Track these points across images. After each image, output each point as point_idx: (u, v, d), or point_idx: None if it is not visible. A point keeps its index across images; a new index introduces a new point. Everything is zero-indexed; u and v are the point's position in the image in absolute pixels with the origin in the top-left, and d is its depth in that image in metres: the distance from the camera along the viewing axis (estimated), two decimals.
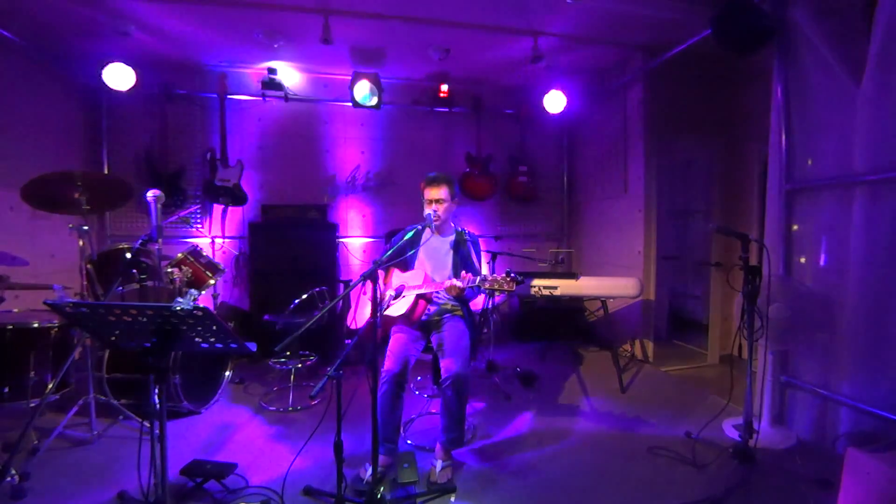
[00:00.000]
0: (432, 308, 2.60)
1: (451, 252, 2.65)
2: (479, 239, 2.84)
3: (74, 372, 2.73)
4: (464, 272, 2.35)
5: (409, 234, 2.36)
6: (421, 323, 2.61)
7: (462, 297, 2.48)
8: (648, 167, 4.19)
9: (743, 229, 3.63)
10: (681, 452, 2.53)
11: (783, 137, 2.80)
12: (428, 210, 2.56)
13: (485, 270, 2.33)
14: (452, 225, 2.73)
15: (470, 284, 2.27)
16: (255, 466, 2.41)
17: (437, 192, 2.55)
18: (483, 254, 4.41)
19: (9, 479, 2.06)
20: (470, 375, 2.43)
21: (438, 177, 2.59)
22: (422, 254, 2.65)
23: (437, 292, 2.56)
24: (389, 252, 2.21)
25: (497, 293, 2.31)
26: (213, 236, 4.50)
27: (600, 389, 3.55)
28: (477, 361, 3.90)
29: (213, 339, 1.58)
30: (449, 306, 2.64)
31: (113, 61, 3.65)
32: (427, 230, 2.65)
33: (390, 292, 2.43)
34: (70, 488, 2.18)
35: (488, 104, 5.01)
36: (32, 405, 2.48)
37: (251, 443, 2.70)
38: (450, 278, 2.41)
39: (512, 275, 2.20)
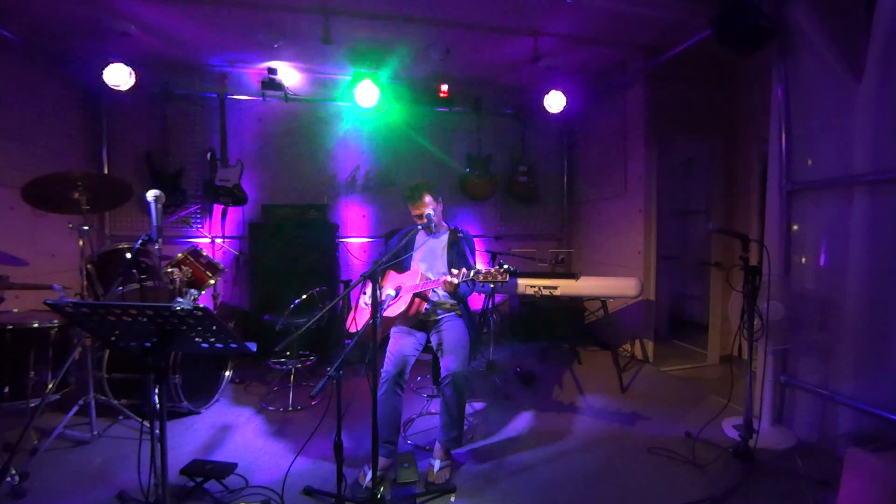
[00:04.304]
0: (430, 306, 2.61)
1: (446, 250, 2.68)
2: (479, 239, 2.84)
3: (74, 372, 2.73)
4: (456, 269, 2.35)
5: (405, 238, 2.40)
6: (420, 323, 2.61)
7: (459, 294, 2.48)
8: (648, 167, 4.19)
9: (743, 229, 3.63)
10: (681, 452, 2.53)
11: (783, 137, 2.80)
12: (419, 222, 2.62)
13: (480, 267, 2.34)
14: (445, 224, 2.77)
15: (464, 279, 2.28)
16: (255, 466, 2.41)
17: (421, 205, 2.59)
18: (482, 253, 4.46)
19: (9, 479, 2.06)
20: (469, 374, 2.42)
21: (416, 190, 2.61)
22: (417, 255, 2.67)
23: (435, 290, 2.57)
24: (388, 255, 2.24)
25: (492, 285, 2.31)
26: (213, 236, 4.50)
27: (600, 389, 3.55)
28: (477, 361, 3.90)
29: (213, 339, 1.58)
30: (447, 305, 2.64)
31: (113, 61, 3.66)
32: (422, 232, 2.70)
33: (389, 292, 2.44)
34: (70, 488, 2.18)
35: (488, 104, 5.01)
36: (32, 405, 2.48)
37: (251, 443, 2.70)
38: (445, 275, 2.41)
39: (505, 266, 2.21)
